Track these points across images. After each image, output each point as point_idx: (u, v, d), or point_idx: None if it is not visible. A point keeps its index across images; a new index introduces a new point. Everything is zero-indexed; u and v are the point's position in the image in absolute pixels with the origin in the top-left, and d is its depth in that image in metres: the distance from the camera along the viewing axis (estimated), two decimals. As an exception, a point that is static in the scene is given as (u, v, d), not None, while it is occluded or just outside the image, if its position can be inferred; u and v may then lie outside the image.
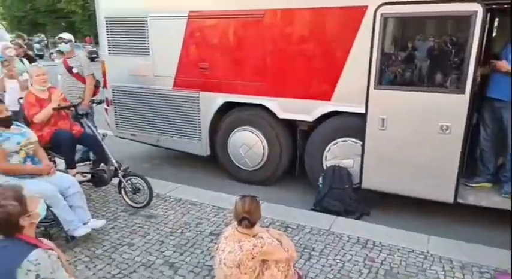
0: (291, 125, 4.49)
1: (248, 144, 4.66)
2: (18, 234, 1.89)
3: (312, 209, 4.03)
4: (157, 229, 3.54)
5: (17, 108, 4.98)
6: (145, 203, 3.89)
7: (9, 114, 3.29)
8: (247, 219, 2.22)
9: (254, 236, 2.27)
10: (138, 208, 3.90)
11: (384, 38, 3.60)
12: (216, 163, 5.06)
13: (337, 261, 3.03)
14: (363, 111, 3.80)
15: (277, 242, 2.34)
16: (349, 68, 3.86)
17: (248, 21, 4.30)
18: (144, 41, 4.93)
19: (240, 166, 4.80)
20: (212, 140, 4.89)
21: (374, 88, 3.70)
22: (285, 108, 4.33)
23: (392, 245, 3.23)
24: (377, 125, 3.74)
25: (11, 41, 9.76)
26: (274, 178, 4.72)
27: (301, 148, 4.47)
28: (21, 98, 4.32)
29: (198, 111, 4.81)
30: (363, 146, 3.88)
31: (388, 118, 3.69)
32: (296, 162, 4.60)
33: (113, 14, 5.10)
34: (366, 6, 3.65)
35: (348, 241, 3.31)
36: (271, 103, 4.38)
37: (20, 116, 4.19)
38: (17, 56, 5.89)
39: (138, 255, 3.11)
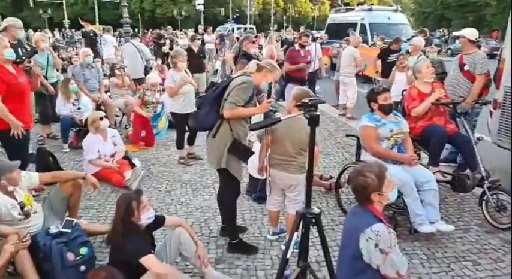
0: None
1: None
2: (369, 205, 2.30)
3: None
4: (517, 260, 3.15)
5: (398, 99, 5.74)
6: (507, 225, 3.52)
7: (392, 102, 3.86)
8: None
9: None
10: (495, 227, 3.60)
11: None
12: None
13: None
14: None
15: None
16: None
17: None
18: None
19: None
20: None
21: None
22: None
23: None
24: None
25: (412, 36, 11.00)
26: None
27: None
28: (404, 90, 4.93)
29: None
30: None
31: None
32: None
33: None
34: None
35: None
36: None
37: (400, 108, 4.81)
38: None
39: (482, 277, 2.95)
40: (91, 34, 13.57)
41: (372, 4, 21.30)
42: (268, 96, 3.12)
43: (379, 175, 2.23)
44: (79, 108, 5.98)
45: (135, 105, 6.19)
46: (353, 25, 15.20)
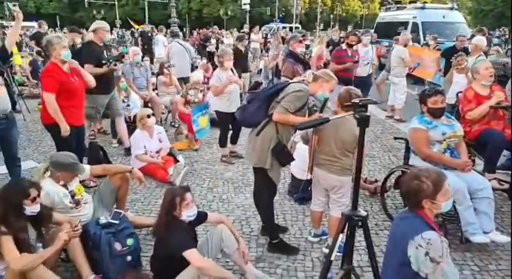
0: None
1: None
2: (419, 211, 2.21)
3: None
4: None
5: (452, 102, 5.50)
6: None
7: (445, 105, 3.70)
8: None
9: None
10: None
11: None
12: None
13: None
14: None
15: None
16: None
17: None
18: None
19: None
20: None
21: None
22: None
23: None
24: None
25: (472, 36, 10.47)
26: None
27: None
28: (459, 92, 4.71)
29: None
30: None
31: None
32: None
33: None
34: None
35: None
36: None
37: (454, 110, 4.61)
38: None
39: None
40: (149, 34, 14.17)
41: (425, 2, 20.54)
42: (321, 111, 3.10)
43: (437, 182, 2.14)
44: (128, 105, 6.25)
45: (179, 103, 6.34)
46: (404, 24, 14.73)
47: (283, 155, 3.13)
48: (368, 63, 7.33)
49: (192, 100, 6.27)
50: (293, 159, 3.26)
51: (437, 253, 2.01)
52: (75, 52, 5.14)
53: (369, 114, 1.95)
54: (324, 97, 3.15)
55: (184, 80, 7.88)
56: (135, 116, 5.67)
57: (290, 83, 3.18)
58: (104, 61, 5.11)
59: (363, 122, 1.95)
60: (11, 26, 6.93)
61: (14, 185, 2.69)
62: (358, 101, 1.96)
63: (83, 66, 4.59)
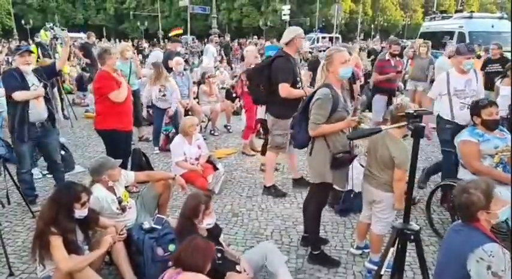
0: None
1: None
2: (475, 223, 2.11)
3: None
4: None
5: (504, 114, 5.24)
6: None
7: (498, 118, 3.52)
8: None
9: None
10: None
11: None
12: None
13: None
14: None
15: None
16: None
17: None
18: None
19: None
20: None
21: None
22: None
23: None
24: None
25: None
26: None
27: None
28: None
29: None
30: None
31: None
32: None
33: None
34: None
35: None
36: None
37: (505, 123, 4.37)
38: None
39: None
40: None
41: (472, 11, 19.81)
42: (352, 84, 2.94)
43: (486, 191, 2.08)
44: (164, 95, 6.13)
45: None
46: (450, 33, 14.25)
47: (343, 164, 3.03)
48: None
49: None
50: (355, 156, 3.11)
51: (499, 267, 1.95)
52: (259, 68, 4.40)
53: (424, 125, 1.88)
54: (347, 72, 2.97)
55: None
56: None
57: (314, 91, 3.06)
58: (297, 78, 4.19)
59: (418, 133, 1.88)
60: (60, 36, 7.18)
61: (66, 188, 2.79)
62: (412, 111, 1.90)
63: (273, 83, 4.07)
